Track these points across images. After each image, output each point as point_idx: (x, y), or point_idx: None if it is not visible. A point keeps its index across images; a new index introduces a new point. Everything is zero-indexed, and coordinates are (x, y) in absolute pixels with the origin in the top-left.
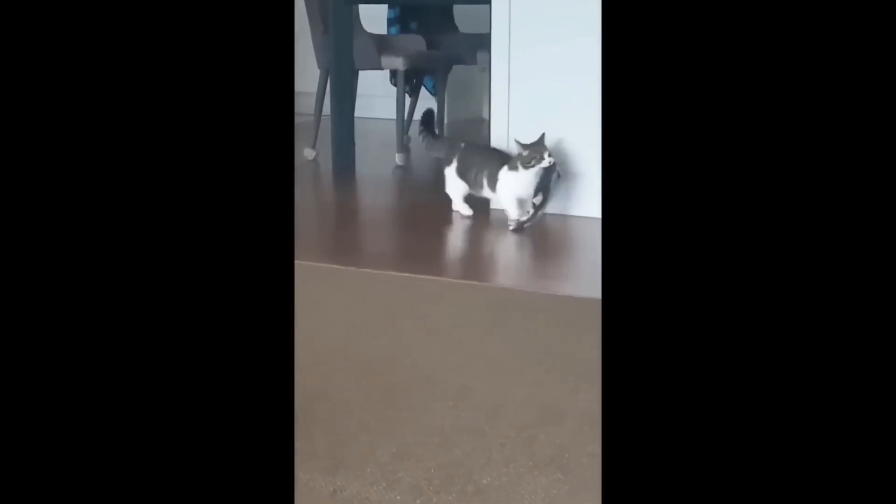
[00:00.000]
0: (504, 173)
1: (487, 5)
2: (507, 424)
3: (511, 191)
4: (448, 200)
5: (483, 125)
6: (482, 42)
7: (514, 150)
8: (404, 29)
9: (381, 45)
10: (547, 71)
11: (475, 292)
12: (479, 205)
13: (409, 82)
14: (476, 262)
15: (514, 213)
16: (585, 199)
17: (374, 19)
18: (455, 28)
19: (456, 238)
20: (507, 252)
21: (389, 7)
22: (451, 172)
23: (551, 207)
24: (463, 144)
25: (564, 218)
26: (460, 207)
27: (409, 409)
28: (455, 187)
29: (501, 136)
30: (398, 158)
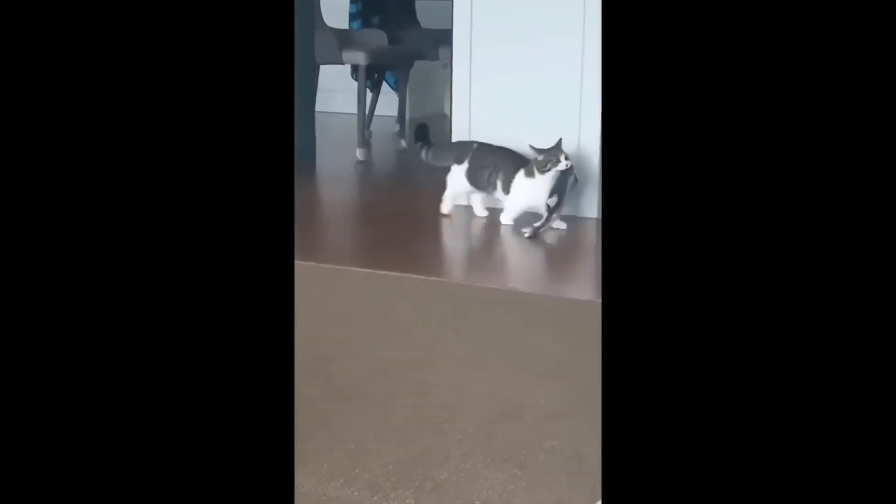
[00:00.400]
0: (520, 179)
1: (449, 1)
2: (466, 421)
3: (525, 198)
4: (413, 196)
5: (445, 121)
6: (444, 38)
7: (529, 154)
8: (366, 24)
9: (343, 39)
10: (508, 67)
11: (436, 289)
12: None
13: (370, 77)
14: (437, 259)
15: (506, 220)
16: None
17: (336, 14)
18: (417, 24)
19: (417, 234)
20: (468, 249)
21: (351, 2)
22: (458, 171)
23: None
24: (476, 145)
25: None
26: (446, 206)
27: (368, 406)
28: (455, 185)
29: (463, 131)
30: (359, 153)
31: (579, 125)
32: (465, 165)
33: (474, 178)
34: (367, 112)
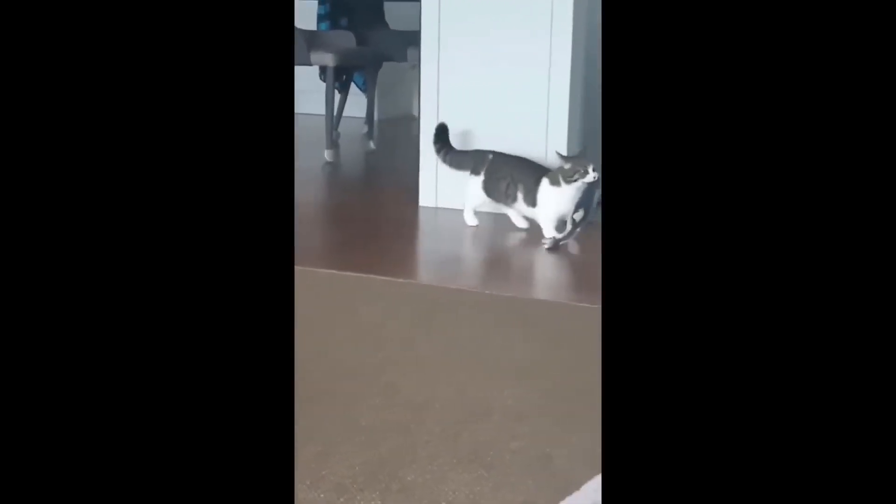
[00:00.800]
0: (545, 189)
1: (418, 2)
2: (433, 422)
3: (553, 208)
4: (381, 197)
5: (413, 122)
6: (412, 39)
7: (555, 162)
8: (334, 25)
9: (311, 40)
10: (476, 68)
11: (405, 290)
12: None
13: (338, 79)
14: (406, 260)
15: (551, 232)
16: None
17: (304, 15)
18: (385, 25)
19: (386, 236)
20: (437, 250)
21: (319, 3)
22: (475, 182)
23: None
24: (491, 155)
25: (496, 216)
26: (468, 217)
27: (335, 407)
28: (473, 197)
29: (430, 132)
30: (327, 155)
31: (546, 126)
32: (482, 177)
33: (491, 190)
34: (335, 113)
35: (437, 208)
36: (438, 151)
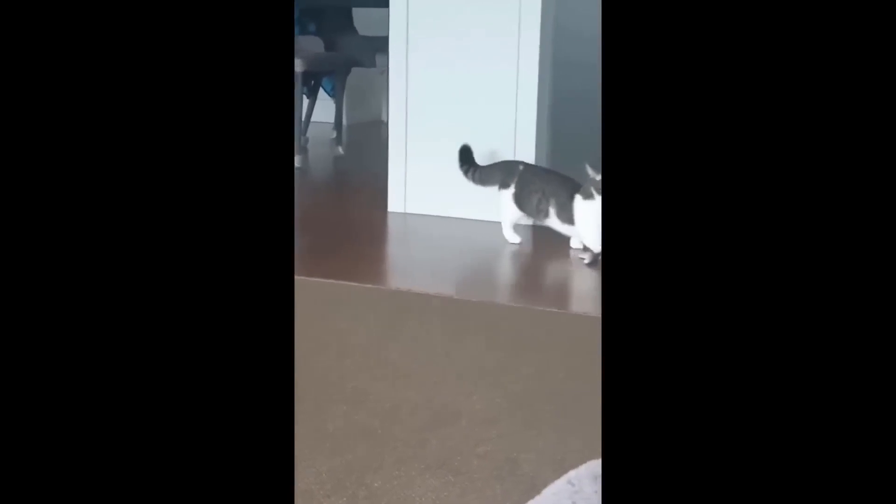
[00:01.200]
0: (580, 204)
1: (386, 8)
2: (400, 427)
3: (594, 222)
4: (350, 202)
5: (382, 127)
6: (381, 45)
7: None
8: (303, 30)
9: None
10: (445, 74)
11: (373, 295)
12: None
13: (307, 84)
14: (374, 266)
15: (597, 247)
16: (492, 202)
17: None
18: (354, 30)
19: (354, 241)
20: (406, 255)
21: None
22: (507, 196)
23: (448, 209)
24: (521, 167)
25: (464, 221)
26: (509, 235)
27: (302, 413)
28: (508, 213)
29: (399, 136)
30: (296, 160)
31: (515, 129)
32: (512, 189)
33: (523, 204)
34: (303, 118)
35: (405, 214)
36: (466, 173)
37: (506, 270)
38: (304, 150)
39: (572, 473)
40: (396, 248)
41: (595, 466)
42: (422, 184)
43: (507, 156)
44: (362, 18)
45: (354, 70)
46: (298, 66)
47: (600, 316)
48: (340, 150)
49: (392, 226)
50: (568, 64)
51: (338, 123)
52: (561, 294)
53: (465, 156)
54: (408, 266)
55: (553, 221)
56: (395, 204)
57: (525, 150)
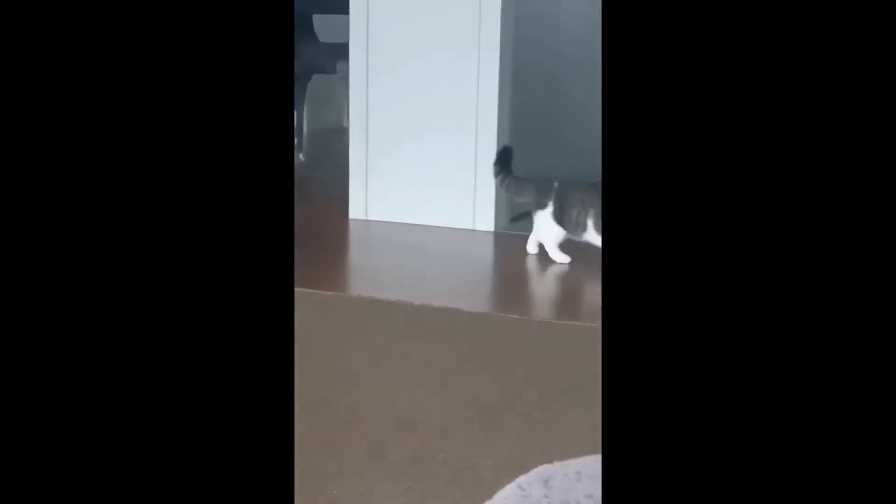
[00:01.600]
0: None
1: (346, 15)
2: (360, 435)
3: None
4: (311, 210)
5: (343, 134)
6: (341, 51)
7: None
8: None
9: None
10: (405, 80)
11: (333, 303)
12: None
13: None
14: (335, 273)
15: None
16: (454, 209)
17: None
18: (314, 37)
19: (315, 249)
20: (366, 262)
21: None
22: (545, 217)
23: (410, 216)
24: (557, 184)
25: (426, 228)
26: (557, 256)
27: None
28: (551, 234)
29: (360, 144)
30: None
31: (476, 136)
32: (550, 209)
33: (563, 221)
34: None
35: (367, 221)
36: (497, 175)
37: (467, 277)
38: None
39: (522, 478)
40: (358, 255)
41: (544, 471)
42: (384, 190)
43: (468, 162)
44: (323, 25)
45: (315, 76)
46: None
47: (562, 322)
48: (301, 156)
49: (353, 233)
50: (529, 68)
51: (298, 130)
52: (522, 300)
53: (504, 159)
54: (369, 273)
55: (590, 234)
56: (356, 211)
57: (486, 155)
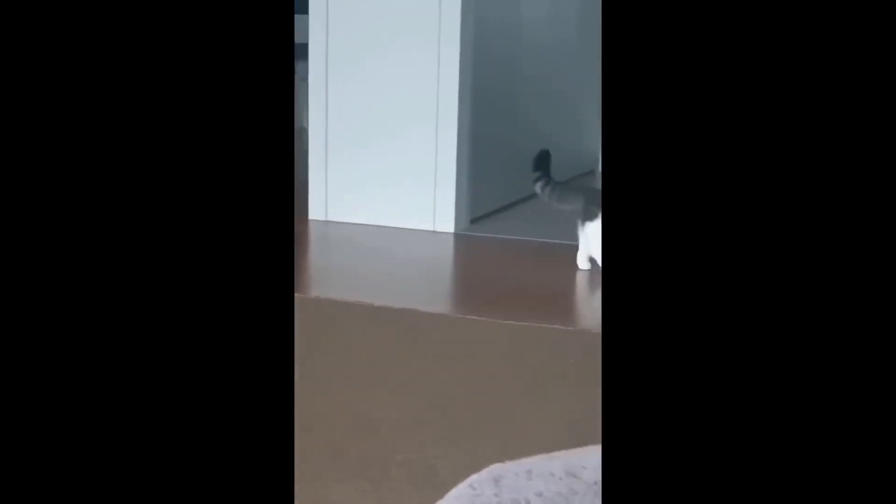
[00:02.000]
0: None
1: (305, 15)
2: (318, 437)
3: None
4: None
5: (303, 134)
6: (300, 52)
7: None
8: None
9: None
10: (364, 80)
11: (295, 305)
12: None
13: None
14: (298, 275)
15: None
16: (414, 210)
17: None
18: None
19: None
20: (327, 263)
21: None
22: (594, 229)
23: (370, 217)
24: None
25: (386, 230)
26: None
27: None
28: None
29: (320, 144)
30: None
31: (436, 135)
32: (600, 218)
33: None
34: None
35: (327, 222)
36: (537, 181)
37: (427, 278)
38: None
39: (474, 477)
40: (317, 257)
41: (495, 470)
42: (343, 191)
43: (428, 163)
44: None
45: None
46: None
47: (521, 323)
48: None
49: (313, 234)
50: (489, 66)
51: None
52: (482, 302)
53: (543, 163)
54: (329, 274)
55: None
56: (316, 212)
57: (446, 155)
